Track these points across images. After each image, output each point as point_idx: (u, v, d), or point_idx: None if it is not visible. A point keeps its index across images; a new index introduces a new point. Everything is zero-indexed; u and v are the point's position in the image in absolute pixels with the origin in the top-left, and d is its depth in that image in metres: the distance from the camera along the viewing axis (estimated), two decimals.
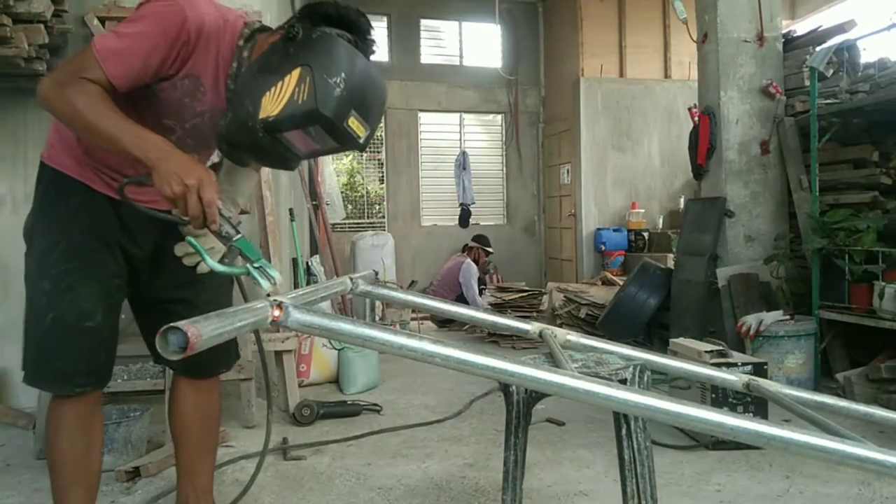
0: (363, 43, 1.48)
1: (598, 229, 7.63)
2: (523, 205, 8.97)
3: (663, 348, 4.15)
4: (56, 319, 1.60)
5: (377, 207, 9.07)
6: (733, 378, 1.58)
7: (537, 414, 2.91)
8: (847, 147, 4.16)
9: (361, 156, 8.88)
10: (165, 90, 1.54)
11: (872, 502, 2.32)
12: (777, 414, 2.74)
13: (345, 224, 8.39)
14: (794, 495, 2.38)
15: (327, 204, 6.83)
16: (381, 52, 7.08)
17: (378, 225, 8.68)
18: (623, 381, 1.49)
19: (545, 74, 8.86)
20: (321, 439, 3.01)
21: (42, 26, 2.89)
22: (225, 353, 1.91)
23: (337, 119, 1.39)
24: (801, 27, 5.68)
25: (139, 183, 1.43)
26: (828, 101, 4.02)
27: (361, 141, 1.45)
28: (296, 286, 4.82)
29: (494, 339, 5.50)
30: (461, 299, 6.47)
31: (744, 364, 2.87)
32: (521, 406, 1.57)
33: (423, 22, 8.63)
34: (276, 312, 1.00)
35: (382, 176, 8.72)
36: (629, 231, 7.54)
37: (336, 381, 4.09)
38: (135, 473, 2.56)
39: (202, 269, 1.55)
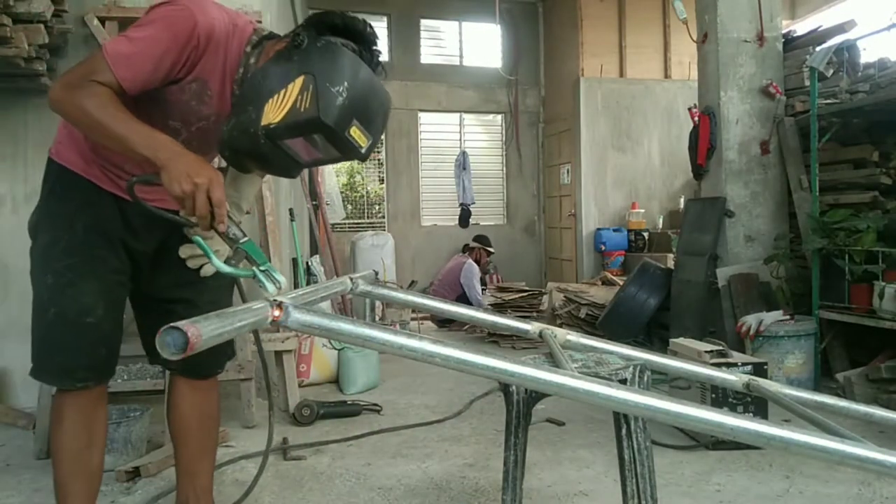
0: (368, 53, 1.48)
1: (598, 229, 7.63)
2: (523, 205, 8.97)
3: (663, 348, 4.15)
4: (57, 314, 1.61)
5: (377, 207, 9.07)
6: (733, 378, 1.58)
7: (537, 414, 2.91)
8: (847, 147, 4.16)
9: None
10: (173, 93, 1.55)
11: (872, 502, 2.32)
12: (777, 414, 2.74)
13: (345, 224, 8.39)
14: (794, 495, 2.38)
15: (327, 204, 6.83)
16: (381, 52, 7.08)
17: (378, 225, 8.69)
18: (623, 381, 1.49)
19: (545, 74, 8.86)
20: (321, 439, 3.01)
21: (42, 26, 2.89)
22: (222, 354, 1.92)
23: (338, 128, 1.39)
24: (801, 27, 5.68)
25: (147, 182, 1.43)
26: (828, 101, 4.02)
27: (363, 151, 1.46)
28: (296, 286, 4.82)
29: (494, 339, 5.50)
30: (462, 299, 6.46)
31: (744, 364, 2.87)
32: (521, 406, 1.57)
33: (423, 22, 8.63)
34: (276, 312, 1.00)
35: (382, 176, 8.72)
36: (629, 231, 7.54)
37: (336, 381, 4.09)
38: (135, 473, 2.56)
39: (206, 271, 1.55)
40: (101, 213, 1.66)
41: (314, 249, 6.28)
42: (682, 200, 7.32)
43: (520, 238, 8.90)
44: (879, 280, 3.42)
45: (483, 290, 6.87)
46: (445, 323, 6.37)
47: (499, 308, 5.81)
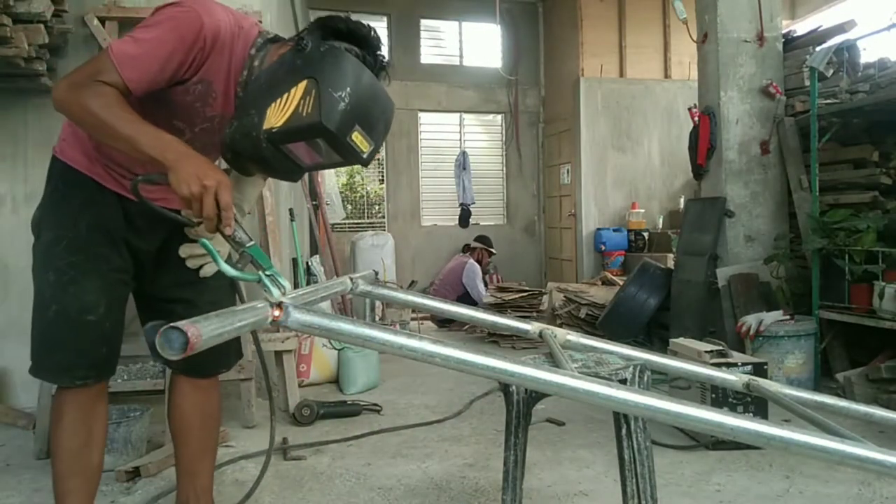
0: (372, 58, 1.48)
1: (598, 229, 7.63)
2: (523, 205, 8.97)
3: (663, 348, 4.15)
4: (59, 312, 1.61)
5: (377, 207, 9.07)
6: (733, 378, 1.58)
7: (537, 414, 2.91)
8: (847, 147, 4.16)
9: None
10: (178, 94, 1.55)
11: (872, 502, 2.32)
12: (777, 414, 2.74)
13: (345, 224, 8.39)
14: (794, 495, 2.38)
15: (327, 204, 6.83)
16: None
17: (378, 225, 8.68)
18: (623, 381, 1.49)
19: (545, 74, 8.86)
20: (321, 439, 3.01)
21: (42, 26, 2.89)
22: (225, 353, 1.91)
23: (340, 133, 1.38)
24: (801, 27, 5.68)
25: (151, 181, 1.43)
26: (828, 101, 4.02)
27: (365, 156, 1.45)
28: (296, 286, 4.82)
29: (494, 339, 5.50)
30: (463, 299, 6.47)
31: (744, 364, 2.87)
32: (521, 406, 1.57)
33: (423, 22, 8.63)
34: (276, 312, 1.00)
35: (382, 176, 8.72)
36: (629, 231, 7.54)
37: (336, 381, 4.09)
38: (135, 473, 2.56)
39: (206, 272, 1.55)
40: (104, 212, 1.66)
41: (314, 249, 6.28)
42: (682, 200, 7.32)
43: (520, 238, 8.90)
44: (879, 280, 3.42)
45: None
46: (445, 323, 6.38)
47: (499, 308, 5.81)
